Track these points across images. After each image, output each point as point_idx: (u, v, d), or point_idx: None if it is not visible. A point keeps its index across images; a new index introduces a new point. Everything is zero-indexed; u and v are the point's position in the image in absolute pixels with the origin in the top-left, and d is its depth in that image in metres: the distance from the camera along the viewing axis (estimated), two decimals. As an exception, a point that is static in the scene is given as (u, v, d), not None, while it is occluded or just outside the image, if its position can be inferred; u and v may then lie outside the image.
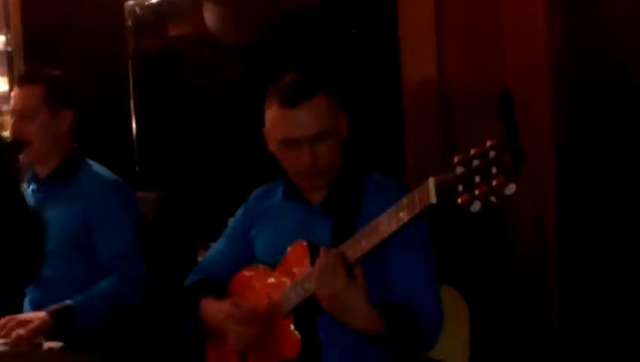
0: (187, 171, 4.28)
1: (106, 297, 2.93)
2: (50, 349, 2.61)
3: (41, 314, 2.83)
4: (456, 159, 1.85)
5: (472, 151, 1.83)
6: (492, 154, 1.80)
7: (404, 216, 2.02)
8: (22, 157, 3.07)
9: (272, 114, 2.43)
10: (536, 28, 3.00)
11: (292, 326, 2.31)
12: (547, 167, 3.02)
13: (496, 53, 3.07)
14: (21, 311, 2.98)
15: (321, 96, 2.39)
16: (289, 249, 2.39)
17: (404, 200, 2.02)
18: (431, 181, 1.93)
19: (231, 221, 2.69)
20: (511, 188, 1.78)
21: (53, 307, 2.86)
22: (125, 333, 3.01)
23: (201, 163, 4.25)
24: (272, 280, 2.44)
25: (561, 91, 3.01)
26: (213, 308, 2.47)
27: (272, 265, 2.46)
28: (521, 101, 2.94)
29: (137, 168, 4.41)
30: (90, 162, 3.15)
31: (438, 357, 2.52)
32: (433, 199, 1.92)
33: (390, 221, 2.06)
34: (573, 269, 3.08)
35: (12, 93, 3.15)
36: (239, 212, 2.68)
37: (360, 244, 2.15)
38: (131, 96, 4.37)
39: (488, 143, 1.80)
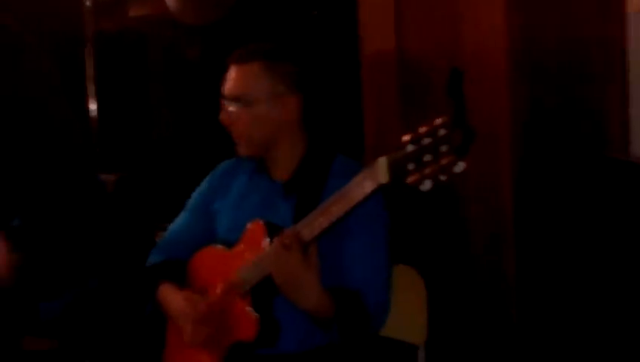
0: (147, 153, 4.26)
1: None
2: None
3: None
4: (406, 137, 1.86)
5: (422, 130, 1.83)
6: (441, 132, 1.80)
7: (356, 196, 2.03)
8: None
9: None
10: (494, 2, 3.01)
11: (249, 307, 2.32)
12: (503, 143, 3.04)
13: (454, 28, 3.09)
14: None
15: (257, 65, 2.41)
16: (247, 228, 2.39)
17: (357, 179, 2.03)
18: (382, 160, 1.94)
19: (195, 192, 2.68)
20: (460, 166, 1.79)
21: None
22: (85, 316, 3.00)
23: (161, 145, 4.24)
24: (230, 259, 2.43)
25: (518, 67, 3.03)
26: (170, 299, 2.46)
27: (232, 243, 2.45)
28: (478, 77, 2.97)
29: (97, 150, 4.39)
30: None
31: (395, 335, 2.55)
32: (384, 178, 1.93)
33: (343, 200, 2.07)
34: (529, 244, 3.11)
35: None
36: (204, 183, 2.67)
37: (315, 224, 2.16)
38: (91, 79, 4.34)
39: (437, 121, 1.80)
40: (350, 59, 3.35)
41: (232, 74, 2.44)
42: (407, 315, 2.53)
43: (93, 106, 4.35)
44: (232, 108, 2.44)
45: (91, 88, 4.28)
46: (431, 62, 3.16)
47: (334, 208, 2.10)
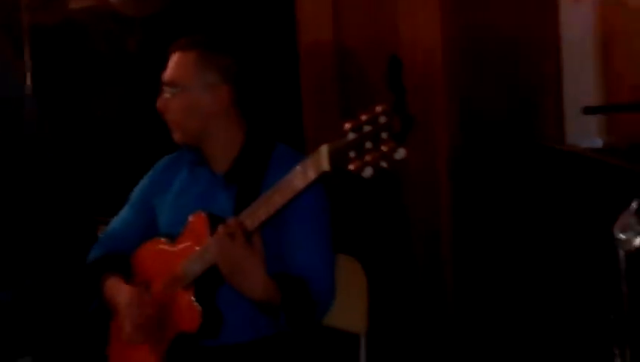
0: (88, 147, 4.21)
1: None
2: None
3: None
4: (347, 125, 1.87)
5: (363, 117, 1.85)
6: (382, 119, 1.82)
7: (298, 184, 2.04)
8: None
9: None
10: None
11: (192, 299, 2.32)
12: (439, 133, 3.07)
13: (391, 17, 3.11)
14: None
15: (192, 53, 2.45)
16: (189, 220, 2.39)
17: (298, 168, 2.04)
18: (323, 148, 1.95)
19: (136, 189, 2.68)
20: (400, 153, 1.81)
21: None
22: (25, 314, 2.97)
23: (102, 138, 4.20)
24: (173, 252, 2.43)
25: (454, 57, 3.06)
26: (116, 291, 2.47)
27: (174, 236, 2.46)
28: (414, 66, 3.00)
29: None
30: None
31: (337, 324, 2.57)
32: (326, 166, 1.94)
33: (285, 189, 2.08)
34: (465, 233, 3.15)
35: None
36: (144, 180, 2.67)
37: (257, 213, 2.17)
38: (29, 68, 4.27)
39: (378, 108, 1.82)
40: (289, 49, 3.36)
41: (172, 61, 2.49)
42: (348, 304, 2.54)
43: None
44: (166, 94, 2.47)
45: (28, 79, 4.21)
46: (368, 52, 3.18)
47: (276, 197, 2.11)
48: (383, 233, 3.35)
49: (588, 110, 2.91)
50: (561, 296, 2.95)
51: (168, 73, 2.48)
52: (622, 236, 2.05)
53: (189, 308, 2.33)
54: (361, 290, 2.60)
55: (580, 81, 3.10)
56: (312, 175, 2.00)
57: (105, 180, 3.93)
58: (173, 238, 2.46)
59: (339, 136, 1.89)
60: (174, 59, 2.48)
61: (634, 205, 2.05)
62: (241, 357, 2.39)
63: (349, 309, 2.55)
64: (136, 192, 2.67)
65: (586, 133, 2.99)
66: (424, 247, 3.21)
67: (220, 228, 2.20)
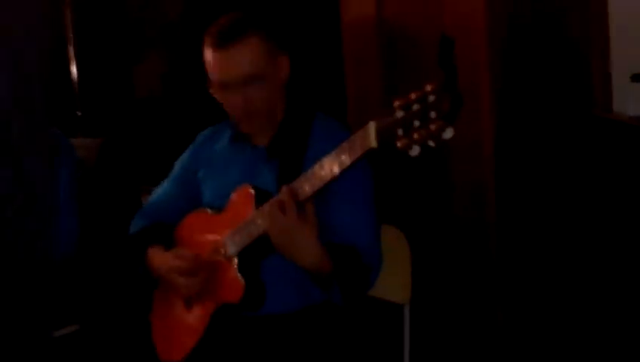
0: (130, 116, 4.24)
1: None
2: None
3: None
4: (396, 103, 1.85)
5: (412, 95, 1.82)
6: (431, 98, 1.79)
7: (345, 160, 2.02)
8: None
9: (207, 57, 2.41)
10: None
11: (236, 270, 2.33)
12: (484, 108, 3.06)
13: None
14: None
15: (253, 38, 2.36)
16: (234, 193, 2.39)
17: (346, 144, 2.02)
18: (371, 125, 1.93)
19: (177, 162, 2.68)
20: (449, 133, 1.78)
21: None
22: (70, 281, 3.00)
23: (144, 108, 4.21)
24: (217, 224, 2.44)
25: (497, 33, 3.03)
26: (159, 259, 2.47)
27: (219, 209, 2.46)
28: (459, 44, 2.97)
29: (79, 114, 4.35)
30: None
31: (380, 295, 2.58)
32: (374, 143, 1.93)
33: (332, 164, 2.07)
34: (510, 204, 3.14)
35: None
36: (186, 153, 2.67)
37: (304, 186, 2.15)
38: (71, 41, 4.29)
39: (428, 87, 1.79)
40: (333, 23, 3.34)
41: (226, 58, 2.37)
42: (391, 275, 2.55)
43: (73, 69, 4.32)
44: (249, 90, 2.38)
45: (71, 51, 4.24)
46: (410, 28, 3.16)
47: (325, 170, 2.10)
48: (428, 204, 3.35)
49: (636, 77, 2.87)
50: (608, 268, 2.93)
51: (235, 70, 2.36)
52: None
53: (232, 280, 2.33)
54: (405, 261, 2.61)
55: (629, 47, 3.05)
56: (359, 151, 1.99)
57: (149, 149, 3.96)
58: (219, 210, 2.46)
59: (387, 113, 1.87)
60: (230, 55, 2.35)
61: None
62: (284, 327, 2.40)
63: (392, 280, 2.56)
64: (178, 165, 2.68)
65: (634, 101, 2.95)
66: (469, 218, 3.20)
67: (272, 199, 2.19)
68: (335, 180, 2.11)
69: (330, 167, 2.08)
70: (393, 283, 2.58)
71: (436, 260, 3.28)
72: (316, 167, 2.13)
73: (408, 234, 2.64)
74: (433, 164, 3.21)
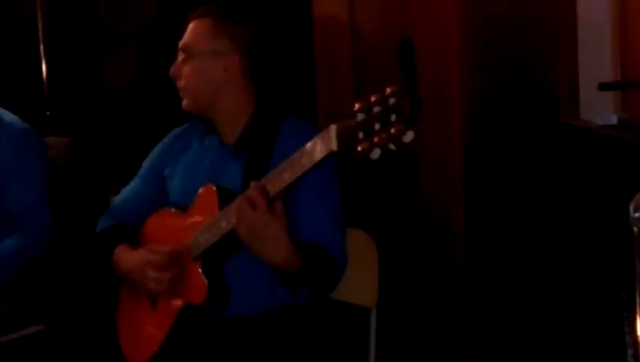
0: (99, 115, 4.22)
1: (9, 258, 2.89)
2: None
3: None
4: (357, 106, 1.86)
5: (373, 98, 1.84)
6: (391, 101, 1.80)
7: (305, 163, 2.04)
8: None
9: None
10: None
11: (200, 271, 2.33)
12: (454, 109, 3.07)
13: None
14: None
15: (210, 21, 2.49)
16: (199, 192, 2.40)
17: (307, 147, 2.03)
18: (332, 128, 1.94)
19: (146, 161, 2.69)
20: (409, 136, 1.79)
21: None
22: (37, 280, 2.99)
23: (114, 107, 4.20)
24: (182, 223, 2.44)
25: (468, 34, 3.05)
26: (128, 256, 2.47)
27: (185, 207, 2.46)
28: (429, 45, 2.99)
29: (48, 113, 4.33)
30: (0, 110, 3.07)
31: (347, 298, 2.58)
32: (334, 146, 1.94)
33: (295, 167, 2.08)
34: (478, 208, 3.15)
35: None
36: (154, 151, 2.67)
37: (272, 184, 2.15)
38: (41, 39, 4.27)
39: (388, 90, 1.81)
40: (305, 23, 3.34)
41: (188, 28, 2.52)
42: (359, 278, 2.55)
43: (43, 67, 4.29)
44: (179, 59, 2.50)
45: (42, 50, 4.22)
46: (382, 28, 3.17)
47: (286, 174, 2.11)
48: (395, 207, 3.35)
49: (603, 86, 2.89)
50: (574, 274, 2.95)
51: (183, 39, 2.51)
52: (636, 214, 2.03)
53: (196, 281, 2.33)
54: (372, 264, 2.60)
55: (596, 57, 3.08)
56: (319, 155, 2.00)
57: (118, 148, 3.95)
58: (183, 210, 2.47)
59: (349, 116, 1.88)
60: (190, 27, 2.51)
61: (648, 182, 2.03)
62: (249, 329, 2.40)
63: (359, 283, 2.56)
64: (146, 163, 2.68)
65: (601, 110, 2.97)
66: (436, 222, 3.22)
67: (242, 195, 2.19)
68: (300, 180, 2.12)
69: (292, 170, 2.08)
70: (360, 286, 2.57)
71: (403, 264, 3.28)
72: (282, 165, 2.13)
73: (376, 238, 2.65)
74: (401, 169, 3.22)
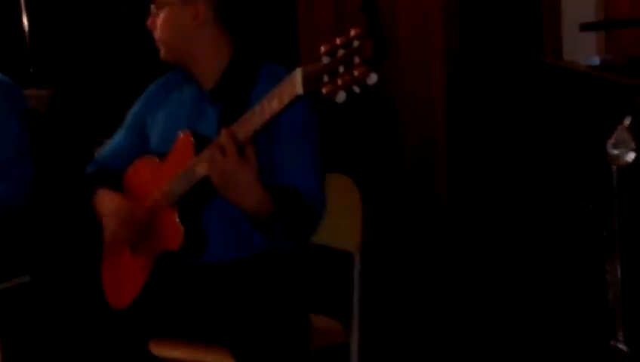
0: (82, 67, 4.21)
1: None
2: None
3: None
4: (322, 49, 1.85)
5: (337, 41, 1.83)
6: (355, 43, 1.80)
7: (274, 107, 2.03)
8: None
9: None
10: None
11: (176, 217, 2.34)
12: (436, 52, 3.05)
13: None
14: None
15: None
16: (177, 139, 2.41)
17: (275, 91, 2.03)
18: (298, 71, 1.93)
19: (130, 112, 2.69)
20: (372, 78, 1.78)
21: None
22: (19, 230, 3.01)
23: (97, 58, 4.18)
24: (161, 170, 2.45)
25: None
26: (106, 199, 2.50)
27: (164, 154, 2.47)
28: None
29: (31, 66, 4.31)
30: None
31: (331, 242, 2.59)
32: (300, 90, 1.93)
33: (263, 110, 2.08)
34: (460, 151, 3.15)
35: None
36: (138, 102, 2.68)
37: (243, 129, 2.14)
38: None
39: (352, 32, 1.80)
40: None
41: None
42: (342, 223, 2.56)
43: (24, 21, 4.27)
44: (152, 11, 2.51)
45: (22, 3, 4.19)
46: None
47: (255, 119, 2.11)
48: (378, 152, 3.35)
49: (585, 27, 2.86)
50: (554, 213, 2.96)
51: None
52: (614, 152, 2.02)
53: (172, 227, 2.35)
54: (355, 208, 2.61)
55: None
56: (286, 99, 1.99)
57: (102, 100, 3.94)
58: (162, 156, 2.48)
59: (314, 60, 1.87)
60: None
61: (627, 121, 2.02)
62: (230, 275, 2.41)
63: (342, 227, 2.57)
64: (130, 114, 2.69)
65: (583, 50, 2.95)
66: (419, 166, 3.21)
67: (213, 142, 2.19)
68: (273, 125, 2.12)
69: (261, 112, 2.08)
70: (344, 231, 2.58)
71: (387, 209, 3.29)
72: (252, 110, 2.13)
73: (360, 183, 2.65)
74: (385, 114, 3.21)
